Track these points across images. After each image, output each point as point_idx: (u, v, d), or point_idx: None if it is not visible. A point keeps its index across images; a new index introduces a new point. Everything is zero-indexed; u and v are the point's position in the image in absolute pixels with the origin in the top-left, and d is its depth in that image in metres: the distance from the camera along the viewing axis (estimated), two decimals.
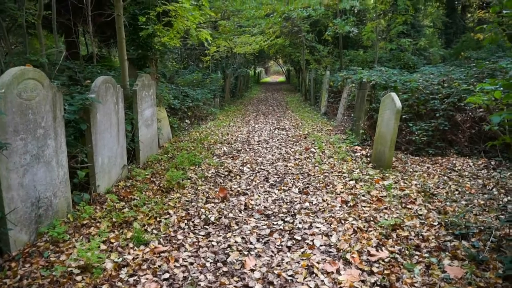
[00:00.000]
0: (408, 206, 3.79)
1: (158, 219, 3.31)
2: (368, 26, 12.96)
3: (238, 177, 4.69)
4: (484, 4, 21.81)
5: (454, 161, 5.51)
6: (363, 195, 3.99)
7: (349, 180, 4.53)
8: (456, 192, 4.19)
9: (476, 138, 5.84)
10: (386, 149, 5.09)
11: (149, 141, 5.51)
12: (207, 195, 3.96)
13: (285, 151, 6.13)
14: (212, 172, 4.81)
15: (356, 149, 6.27)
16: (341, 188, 4.19)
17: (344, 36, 14.02)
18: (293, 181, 4.50)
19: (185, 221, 3.30)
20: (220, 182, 4.42)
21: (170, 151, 5.94)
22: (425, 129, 5.96)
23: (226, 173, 4.82)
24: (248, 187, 4.28)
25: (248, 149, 6.29)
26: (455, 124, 5.98)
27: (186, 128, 8.24)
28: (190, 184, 4.29)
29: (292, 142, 6.82)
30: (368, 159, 5.73)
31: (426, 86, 6.45)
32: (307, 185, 4.34)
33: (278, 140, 7.08)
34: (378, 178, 4.63)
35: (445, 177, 4.81)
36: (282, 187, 4.26)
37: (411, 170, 5.12)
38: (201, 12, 6.57)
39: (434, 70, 8.77)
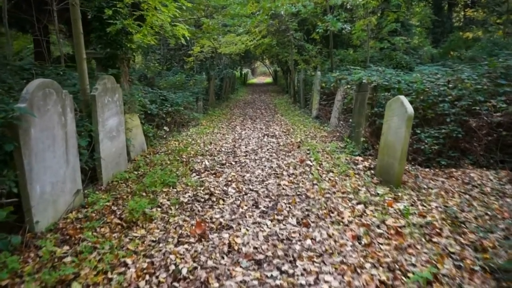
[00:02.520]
0: (434, 240, 3.01)
1: (109, 274, 2.42)
2: (358, 24, 12.28)
3: (221, 201, 3.83)
4: (469, 3, 21.57)
5: (471, 174, 4.78)
6: (378, 226, 3.19)
7: (357, 204, 3.72)
8: (487, 217, 3.44)
9: (493, 147, 5.15)
10: (395, 162, 4.32)
11: (114, 156, 4.60)
12: (180, 231, 3.08)
13: (276, 164, 5.30)
14: (189, 196, 3.92)
15: (357, 160, 5.49)
16: (349, 216, 3.39)
17: (333, 35, 13.32)
18: (289, 207, 3.66)
19: (147, 277, 2.42)
20: (198, 211, 3.55)
21: (141, 167, 5.03)
22: (435, 136, 5.23)
23: (207, 196, 3.95)
24: (233, 217, 3.43)
25: (233, 162, 5.43)
26: (468, 131, 5.27)
27: (164, 136, 7.32)
28: (160, 214, 3.40)
29: (284, 153, 5.99)
30: (372, 172, 4.97)
31: (432, 87, 5.72)
32: (306, 213, 3.51)
33: (268, 150, 6.25)
34: (390, 199, 3.85)
35: (467, 196, 4.07)
36: (275, 216, 3.41)
37: (425, 186, 4.36)
38: (176, 4, 5.69)
39: (434, 69, 8.11)
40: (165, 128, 7.60)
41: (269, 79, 41.04)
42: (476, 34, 18.92)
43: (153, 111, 7.49)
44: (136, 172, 4.79)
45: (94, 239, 2.81)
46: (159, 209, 3.53)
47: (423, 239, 3.03)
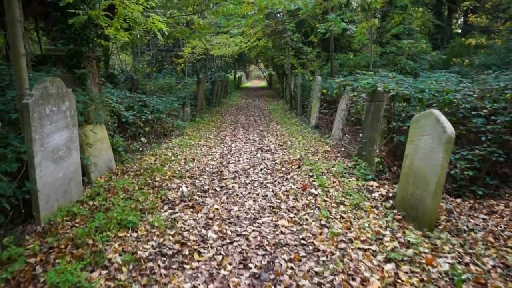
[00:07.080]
0: None
1: None
2: (361, 26, 11.33)
3: (195, 255, 2.75)
4: (471, 9, 20.90)
5: None
6: None
7: (385, 262, 2.68)
8: None
9: None
10: (427, 197, 3.31)
11: (61, 183, 3.50)
12: None
13: (272, 191, 4.24)
14: (152, 246, 2.84)
15: (372, 186, 4.47)
16: (379, 287, 2.34)
17: (333, 38, 12.37)
18: (291, 267, 2.60)
19: None
20: (161, 275, 2.46)
21: (101, 194, 3.93)
22: (469, 159, 4.23)
23: (177, 246, 2.86)
24: (209, 287, 2.35)
25: (218, 188, 4.35)
26: (509, 153, 4.29)
27: (140, 149, 6.22)
28: (102, 283, 2.32)
29: (281, 174, 4.93)
30: (391, 202, 3.95)
31: (461, 98, 4.73)
32: (316, 279, 2.44)
33: (262, 170, 5.18)
34: (428, 253, 2.82)
35: None
36: None
37: (465, 228, 3.35)
38: None
39: (452, 77, 7.16)
40: (142, 139, 6.51)
41: (263, 83, 40.10)
42: (479, 41, 18.22)
43: (128, 119, 6.41)
44: (91, 203, 3.70)
45: None
46: (103, 272, 2.43)
47: None
